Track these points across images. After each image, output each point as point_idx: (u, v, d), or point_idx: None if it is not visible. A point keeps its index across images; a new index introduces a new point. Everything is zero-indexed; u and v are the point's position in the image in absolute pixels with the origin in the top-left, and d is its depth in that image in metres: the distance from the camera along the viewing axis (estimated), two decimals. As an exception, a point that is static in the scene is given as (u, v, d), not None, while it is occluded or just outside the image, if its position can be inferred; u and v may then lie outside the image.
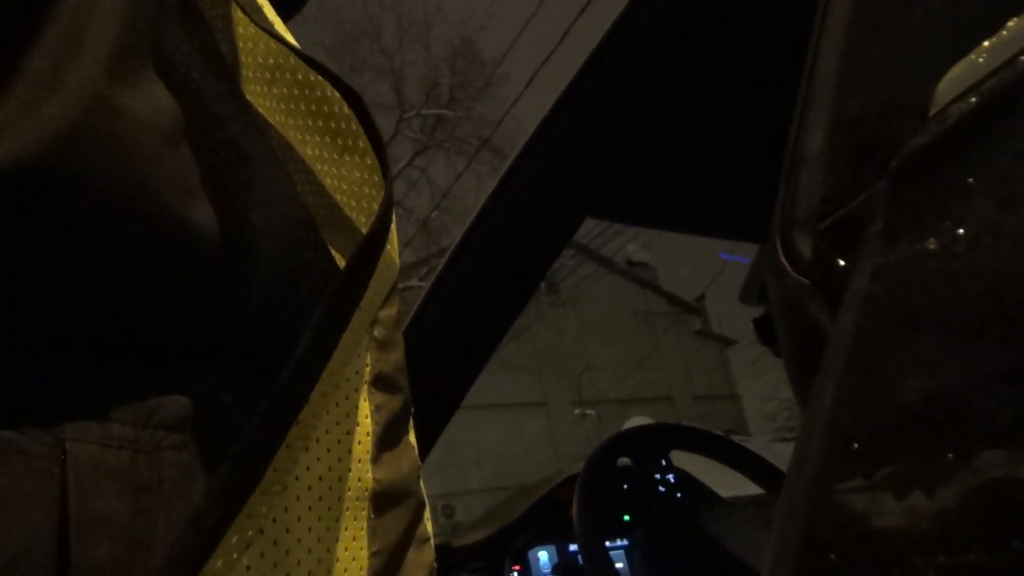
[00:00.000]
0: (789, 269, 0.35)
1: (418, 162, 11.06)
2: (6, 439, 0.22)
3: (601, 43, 0.81)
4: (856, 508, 0.19)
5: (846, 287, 0.28)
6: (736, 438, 1.64)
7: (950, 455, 0.18)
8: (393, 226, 0.37)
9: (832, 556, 0.20)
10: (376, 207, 0.33)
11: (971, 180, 0.22)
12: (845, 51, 0.37)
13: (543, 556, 1.27)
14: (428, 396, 0.99)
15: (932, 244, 0.22)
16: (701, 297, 14.35)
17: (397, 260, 0.40)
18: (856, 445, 0.21)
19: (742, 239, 1.16)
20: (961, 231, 0.21)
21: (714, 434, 1.23)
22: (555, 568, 1.25)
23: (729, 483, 1.28)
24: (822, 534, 0.20)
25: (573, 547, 1.29)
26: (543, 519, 1.28)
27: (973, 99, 0.23)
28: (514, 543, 1.25)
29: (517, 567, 1.24)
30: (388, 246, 0.34)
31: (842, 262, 0.31)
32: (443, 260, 1.02)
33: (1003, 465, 0.17)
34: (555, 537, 1.29)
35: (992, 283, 0.19)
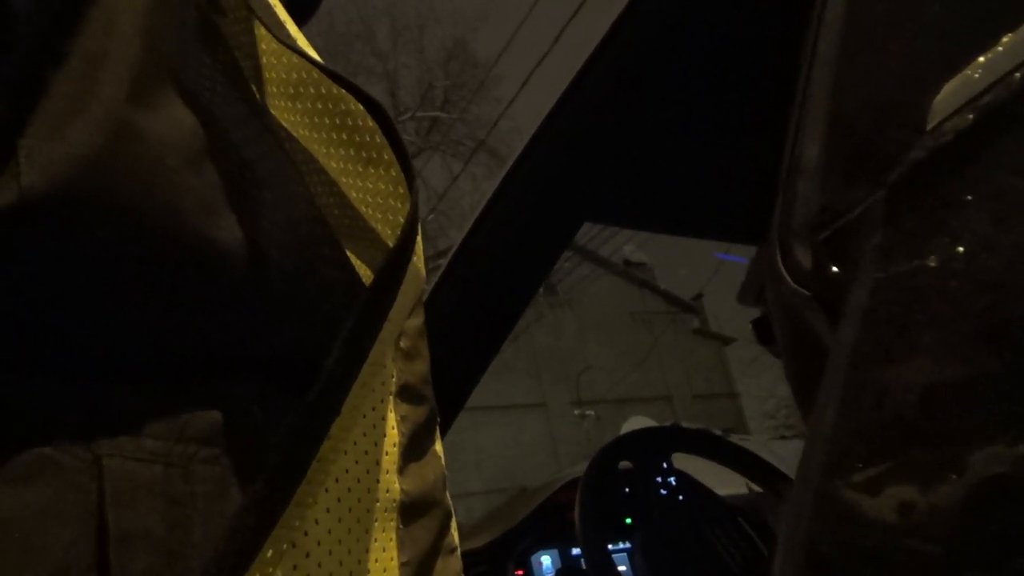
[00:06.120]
0: (788, 279, 0.35)
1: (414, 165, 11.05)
2: (43, 455, 0.22)
3: (597, 47, 0.81)
4: (852, 519, 0.20)
5: (843, 298, 0.29)
6: (735, 437, 1.64)
7: (934, 465, 0.18)
8: (419, 237, 0.37)
9: (830, 567, 0.20)
10: (402, 219, 0.33)
11: (967, 196, 0.22)
12: (839, 60, 0.37)
13: (546, 560, 1.27)
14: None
15: (931, 261, 0.22)
16: (699, 296, 14.36)
17: (423, 271, 0.40)
18: (854, 459, 0.21)
19: (738, 241, 1.16)
20: (958, 248, 0.21)
21: (714, 435, 1.24)
22: (558, 572, 1.25)
23: (729, 483, 1.28)
24: (822, 544, 0.20)
25: (576, 551, 1.29)
26: (545, 523, 1.28)
27: (970, 115, 0.23)
28: (517, 547, 1.26)
29: (520, 571, 1.24)
30: (414, 257, 0.34)
31: (838, 271, 0.31)
32: (441, 266, 1.02)
33: (981, 468, 0.17)
34: (558, 541, 1.29)
35: (990, 300, 0.20)
